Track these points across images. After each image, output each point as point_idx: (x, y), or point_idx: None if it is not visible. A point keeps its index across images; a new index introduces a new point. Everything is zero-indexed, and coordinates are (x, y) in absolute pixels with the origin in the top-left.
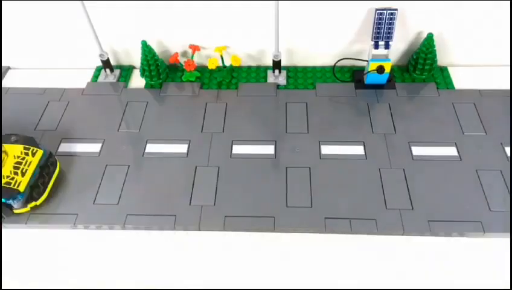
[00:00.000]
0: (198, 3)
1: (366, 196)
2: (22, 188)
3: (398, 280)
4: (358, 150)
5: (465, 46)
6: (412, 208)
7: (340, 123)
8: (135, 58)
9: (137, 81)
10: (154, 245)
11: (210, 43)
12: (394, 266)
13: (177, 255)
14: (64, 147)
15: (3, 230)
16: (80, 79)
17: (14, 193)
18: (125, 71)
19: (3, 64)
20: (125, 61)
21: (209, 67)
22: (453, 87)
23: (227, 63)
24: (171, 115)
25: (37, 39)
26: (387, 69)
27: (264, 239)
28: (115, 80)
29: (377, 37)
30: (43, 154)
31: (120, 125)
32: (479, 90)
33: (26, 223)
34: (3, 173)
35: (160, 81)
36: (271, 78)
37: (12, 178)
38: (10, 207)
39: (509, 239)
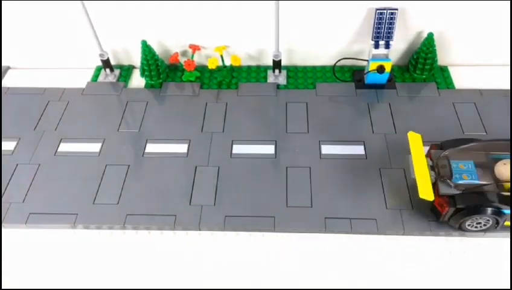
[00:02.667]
0: (198, 3)
1: (366, 196)
2: None
3: (398, 280)
4: (359, 150)
5: (465, 46)
6: (413, 208)
7: (340, 123)
8: (135, 58)
9: (137, 81)
10: (154, 245)
11: (210, 43)
12: (394, 266)
13: (177, 255)
14: (64, 147)
15: (3, 230)
16: (80, 79)
17: None
18: (125, 71)
19: (3, 64)
20: (125, 61)
21: (209, 67)
22: (453, 87)
23: (227, 63)
24: (171, 115)
25: (37, 39)
26: (388, 69)
27: (264, 239)
28: (114, 80)
29: (377, 37)
30: None
31: (120, 125)
32: (480, 90)
33: (26, 223)
34: None
35: (160, 81)
36: (271, 78)
37: None
38: None
39: (509, 239)
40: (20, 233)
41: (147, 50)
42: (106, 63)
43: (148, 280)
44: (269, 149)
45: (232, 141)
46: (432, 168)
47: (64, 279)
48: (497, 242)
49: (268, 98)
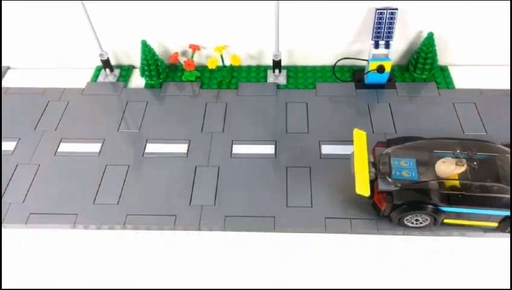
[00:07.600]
0: (198, 3)
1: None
2: None
3: (398, 280)
4: None
5: (465, 45)
6: None
7: (340, 123)
8: (135, 58)
9: (137, 81)
10: (154, 245)
11: (210, 43)
12: (394, 266)
13: (177, 255)
14: (64, 147)
15: (3, 230)
16: (80, 79)
17: None
18: (125, 71)
19: (3, 64)
20: (125, 61)
21: (209, 67)
22: (453, 87)
23: (227, 63)
24: (171, 115)
25: (37, 39)
26: (388, 69)
27: (264, 239)
28: (114, 80)
29: (377, 37)
30: None
31: (120, 125)
32: (480, 89)
33: (26, 223)
34: None
35: (160, 81)
36: (271, 77)
37: None
38: None
39: (509, 239)
40: (20, 233)
41: (146, 50)
42: (106, 63)
43: (148, 279)
44: (269, 149)
45: (232, 141)
46: (373, 165)
47: (64, 279)
48: (497, 242)
49: (268, 98)
